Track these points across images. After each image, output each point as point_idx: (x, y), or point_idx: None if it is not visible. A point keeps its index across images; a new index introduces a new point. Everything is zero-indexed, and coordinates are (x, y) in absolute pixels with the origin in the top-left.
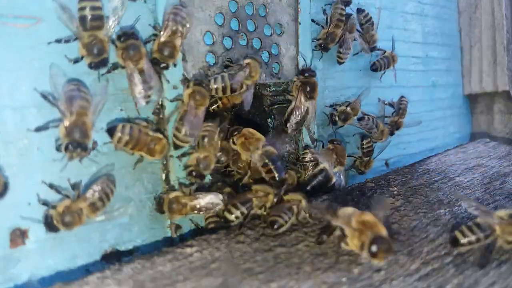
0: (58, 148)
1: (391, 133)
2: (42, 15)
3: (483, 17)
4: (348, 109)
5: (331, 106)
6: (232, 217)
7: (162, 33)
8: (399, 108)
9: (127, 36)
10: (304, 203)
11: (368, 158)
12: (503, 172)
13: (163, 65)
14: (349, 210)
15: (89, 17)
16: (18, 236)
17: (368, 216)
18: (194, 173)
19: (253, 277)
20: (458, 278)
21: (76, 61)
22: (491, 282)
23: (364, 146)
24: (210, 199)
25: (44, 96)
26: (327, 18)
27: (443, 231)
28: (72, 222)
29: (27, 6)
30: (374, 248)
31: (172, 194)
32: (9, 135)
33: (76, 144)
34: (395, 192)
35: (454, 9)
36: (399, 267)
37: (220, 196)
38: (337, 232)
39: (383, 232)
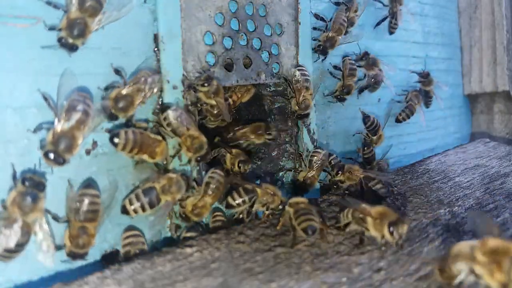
0: (40, 148)
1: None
2: (42, 15)
3: (483, 17)
4: (331, 33)
5: (315, 39)
6: (234, 203)
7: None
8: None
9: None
10: None
11: (370, 165)
12: (503, 172)
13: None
14: (464, 244)
15: None
16: None
17: (493, 241)
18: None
19: (253, 277)
20: None
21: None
22: None
23: (364, 152)
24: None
25: (45, 98)
26: (327, 25)
27: (443, 231)
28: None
29: (27, 6)
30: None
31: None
32: (9, 135)
33: (55, 155)
34: (395, 192)
35: (454, 9)
36: (399, 267)
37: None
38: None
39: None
